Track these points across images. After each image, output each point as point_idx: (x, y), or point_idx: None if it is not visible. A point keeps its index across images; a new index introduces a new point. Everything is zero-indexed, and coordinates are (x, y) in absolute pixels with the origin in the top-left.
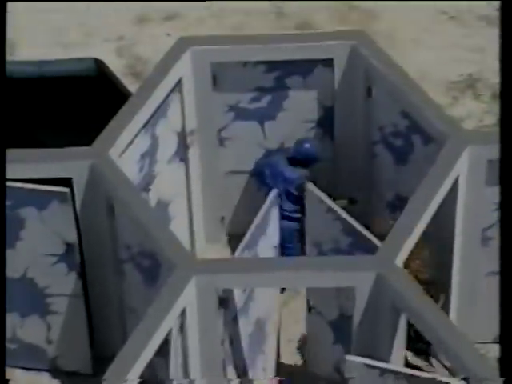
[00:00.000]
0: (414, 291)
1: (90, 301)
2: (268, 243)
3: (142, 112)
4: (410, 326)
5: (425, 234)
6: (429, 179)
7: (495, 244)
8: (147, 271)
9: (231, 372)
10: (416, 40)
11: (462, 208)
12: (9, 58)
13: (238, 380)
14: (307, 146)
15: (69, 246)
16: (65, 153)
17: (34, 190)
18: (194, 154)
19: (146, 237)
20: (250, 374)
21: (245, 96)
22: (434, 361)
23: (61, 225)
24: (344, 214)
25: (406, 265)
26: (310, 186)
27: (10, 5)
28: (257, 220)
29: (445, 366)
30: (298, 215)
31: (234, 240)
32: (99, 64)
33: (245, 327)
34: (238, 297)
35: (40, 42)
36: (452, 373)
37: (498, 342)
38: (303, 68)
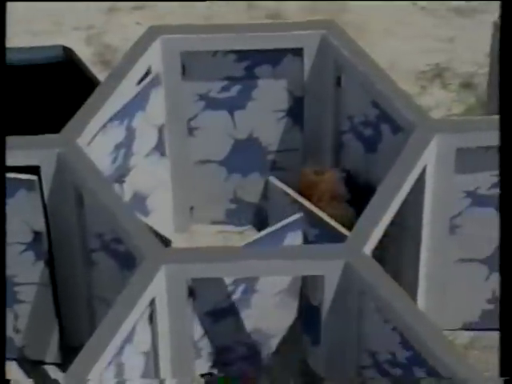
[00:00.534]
0: (382, 279)
1: (59, 290)
2: None
3: (111, 100)
4: None
5: (393, 223)
6: (397, 168)
7: (463, 232)
8: (122, 257)
9: (206, 360)
10: (386, 30)
11: (431, 196)
12: None
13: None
14: None
15: (36, 234)
16: (32, 140)
17: None
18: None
19: (115, 226)
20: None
21: (215, 85)
22: None
23: (28, 213)
24: (308, 205)
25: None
26: (272, 179)
27: None
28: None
29: None
30: None
31: (203, 229)
32: (68, 52)
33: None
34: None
35: (9, 30)
36: None
37: (466, 329)
38: (273, 57)
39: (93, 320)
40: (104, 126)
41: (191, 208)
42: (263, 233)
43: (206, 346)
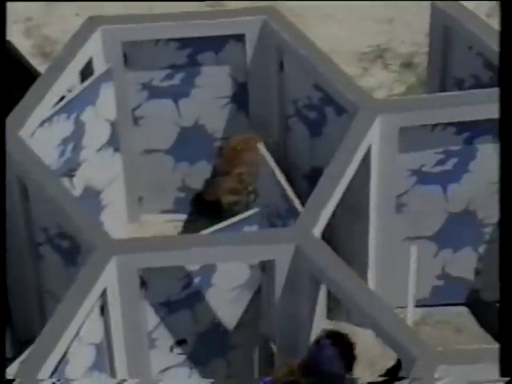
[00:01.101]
0: (332, 261)
1: (8, 283)
2: None
3: (52, 92)
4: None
5: (340, 204)
6: (342, 150)
7: (410, 210)
8: (67, 253)
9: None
10: (326, 14)
11: (376, 176)
12: None
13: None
14: None
15: None
16: None
17: None
18: None
19: (62, 218)
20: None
21: (158, 74)
22: None
23: None
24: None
25: None
26: None
27: None
28: None
29: None
30: None
31: (153, 219)
32: (6, 44)
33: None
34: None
35: None
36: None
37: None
38: (215, 44)
39: (43, 314)
40: (49, 118)
41: (140, 198)
42: (220, 225)
43: (161, 337)
